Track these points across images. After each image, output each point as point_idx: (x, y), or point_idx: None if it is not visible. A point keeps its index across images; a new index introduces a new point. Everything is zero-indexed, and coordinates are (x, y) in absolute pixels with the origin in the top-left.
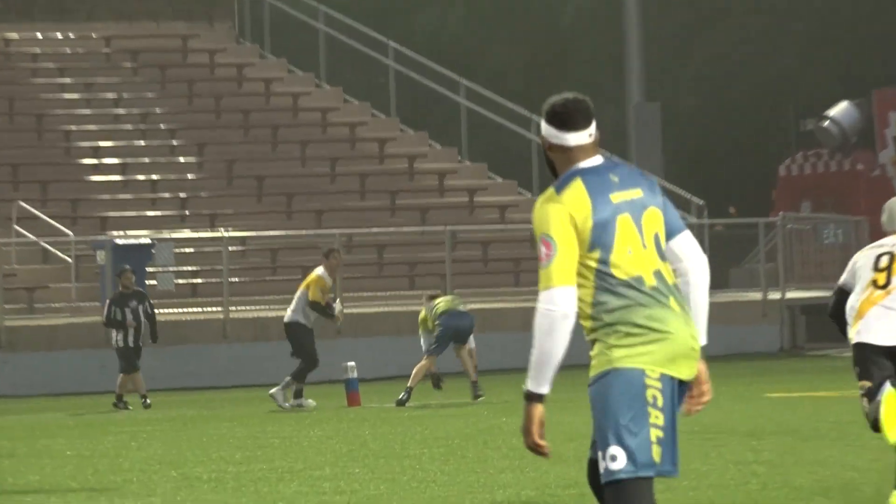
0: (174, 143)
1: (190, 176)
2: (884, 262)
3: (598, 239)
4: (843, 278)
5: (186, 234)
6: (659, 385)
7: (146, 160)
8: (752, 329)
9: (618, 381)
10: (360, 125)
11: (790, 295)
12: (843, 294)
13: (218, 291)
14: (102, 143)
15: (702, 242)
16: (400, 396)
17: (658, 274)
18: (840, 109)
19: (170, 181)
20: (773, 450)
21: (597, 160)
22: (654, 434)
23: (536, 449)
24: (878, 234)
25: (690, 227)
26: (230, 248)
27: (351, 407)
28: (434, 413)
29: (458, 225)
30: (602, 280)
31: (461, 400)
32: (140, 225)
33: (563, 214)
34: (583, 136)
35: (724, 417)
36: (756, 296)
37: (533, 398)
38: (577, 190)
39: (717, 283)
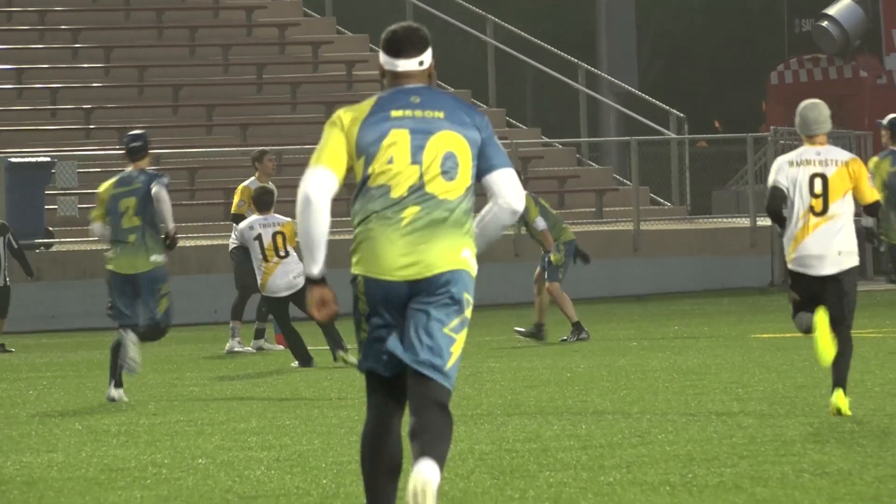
0: (77, 45)
1: (95, 84)
2: (818, 186)
3: (364, 145)
4: (780, 181)
5: (91, 151)
6: (364, 299)
7: (45, 66)
8: (738, 260)
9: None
10: (291, 26)
11: None
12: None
13: None
14: None
15: (682, 161)
16: (533, 332)
17: (416, 189)
18: (841, 7)
19: (72, 90)
20: (761, 399)
21: (417, 85)
22: (361, 337)
23: (317, 316)
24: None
25: (668, 142)
26: None
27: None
28: None
29: None
30: (363, 186)
31: None
32: (38, 141)
33: (336, 118)
34: (412, 63)
35: (706, 362)
36: (743, 222)
37: (309, 280)
38: (363, 103)
39: (699, 208)
